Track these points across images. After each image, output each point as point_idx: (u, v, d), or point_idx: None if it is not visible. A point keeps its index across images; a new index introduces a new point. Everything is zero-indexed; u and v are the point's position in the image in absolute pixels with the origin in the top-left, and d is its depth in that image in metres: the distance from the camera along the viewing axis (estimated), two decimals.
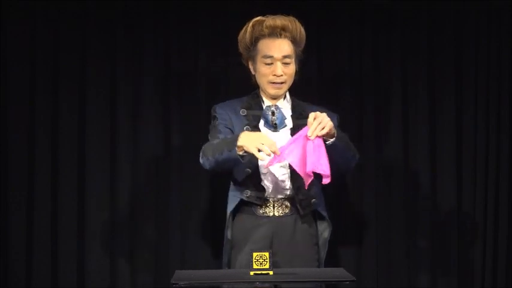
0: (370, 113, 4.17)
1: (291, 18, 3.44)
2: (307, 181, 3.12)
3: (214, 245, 4.12)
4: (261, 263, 2.92)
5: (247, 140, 3.17)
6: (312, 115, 3.15)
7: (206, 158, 3.35)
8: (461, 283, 4.15)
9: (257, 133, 3.25)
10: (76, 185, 4.09)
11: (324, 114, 3.16)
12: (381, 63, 4.18)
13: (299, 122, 3.43)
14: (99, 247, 4.09)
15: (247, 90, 3.76)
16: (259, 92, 3.54)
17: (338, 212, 4.07)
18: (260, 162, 3.34)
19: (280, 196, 3.44)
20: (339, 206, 4.12)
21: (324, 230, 3.49)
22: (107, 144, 4.11)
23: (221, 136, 3.39)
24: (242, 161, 3.23)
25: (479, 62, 4.16)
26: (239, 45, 3.50)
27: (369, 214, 4.15)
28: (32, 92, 4.08)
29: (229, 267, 3.45)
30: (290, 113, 3.49)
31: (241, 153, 3.20)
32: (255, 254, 2.94)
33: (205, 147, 3.39)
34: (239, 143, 3.19)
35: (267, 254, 2.93)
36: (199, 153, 3.40)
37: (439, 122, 4.18)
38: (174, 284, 2.83)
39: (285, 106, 3.51)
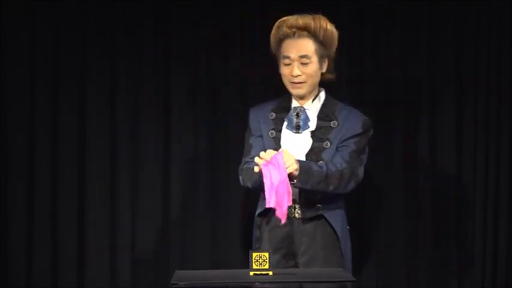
0: (370, 113, 4.16)
1: (318, 16, 3.41)
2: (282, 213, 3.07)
3: (214, 245, 4.12)
4: (261, 263, 2.92)
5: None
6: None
7: (243, 181, 3.44)
8: (461, 283, 4.15)
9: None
10: (76, 185, 4.09)
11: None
12: (381, 63, 4.18)
13: (322, 123, 3.42)
14: (99, 247, 4.09)
15: (248, 90, 3.76)
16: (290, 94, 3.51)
17: None
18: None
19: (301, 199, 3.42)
20: None
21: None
22: (106, 144, 4.11)
23: (253, 152, 3.39)
24: None
25: (479, 62, 4.15)
26: (271, 46, 3.48)
27: (369, 214, 4.15)
28: (32, 92, 4.08)
29: None
30: (316, 115, 3.48)
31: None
32: (254, 254, 2.93)
33: (242, 170, 3.44)
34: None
35: (266, 254, 2.92)
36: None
37: (439, 122, 4.18)
38: (174, 284, 2.83)
39: (313, 107, 3.46)
